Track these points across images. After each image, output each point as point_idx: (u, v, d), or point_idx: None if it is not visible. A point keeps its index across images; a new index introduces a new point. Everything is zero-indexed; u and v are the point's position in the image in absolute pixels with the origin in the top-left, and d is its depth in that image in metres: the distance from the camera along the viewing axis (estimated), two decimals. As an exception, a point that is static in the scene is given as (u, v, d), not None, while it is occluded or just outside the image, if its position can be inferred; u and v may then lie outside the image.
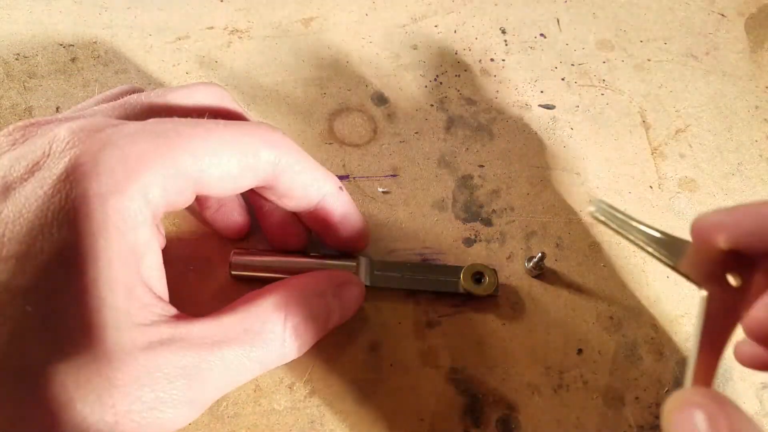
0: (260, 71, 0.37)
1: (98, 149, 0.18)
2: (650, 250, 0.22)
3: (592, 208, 0.22)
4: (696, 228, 0.21)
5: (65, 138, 0.19)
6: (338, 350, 0.29)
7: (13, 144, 0.20)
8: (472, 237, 0.32)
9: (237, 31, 0.39)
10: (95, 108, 0.23)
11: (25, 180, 0.18)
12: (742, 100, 0.38)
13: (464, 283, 0.30)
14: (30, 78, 0.36)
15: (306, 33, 0.39)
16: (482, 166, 0.35)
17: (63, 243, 0.17)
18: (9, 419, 0.16)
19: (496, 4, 0.41)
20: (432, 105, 0.37)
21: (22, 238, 0.17)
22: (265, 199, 0.26)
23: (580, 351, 0.30)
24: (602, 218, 0.22)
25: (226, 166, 0.21)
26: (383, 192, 0.33)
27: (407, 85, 0.37)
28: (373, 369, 0.29)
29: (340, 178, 0.34)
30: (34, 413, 0.16)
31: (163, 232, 0.27)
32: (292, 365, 0.29)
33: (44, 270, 0.17)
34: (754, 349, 0.21)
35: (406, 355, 0.29)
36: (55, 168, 0.18)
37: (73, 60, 0.37)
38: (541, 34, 0.40)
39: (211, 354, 0.20)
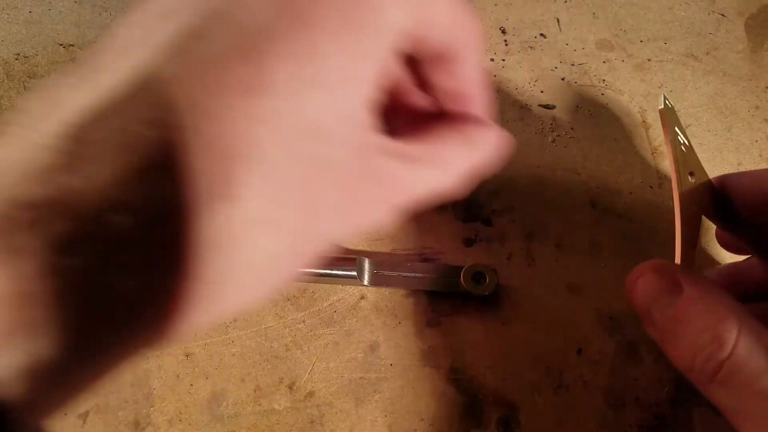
0: (260, 71, 0.37)
1: None
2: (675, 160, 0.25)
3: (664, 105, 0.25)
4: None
5: None
6: (338, 350, 0.29)
7: None
8: (472, 237, 0.32)
9: (237, 31, 0.39)
10: None
11: None
12: (742, 100, 0.38)
13: (464, 283, 0.30)
14: (30, 78, 0.36)
15: (306, 33, 0.39)
16: (482, 166, 0.35)
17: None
18: None
19: (496, 4, 0.41)
20: (432, 105, 0.37)
21: None
22: (416, 73, 0.25)
23: (580, 351, 0.30)
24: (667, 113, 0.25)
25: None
26: (383, 192, 0.33)
27: (407, 85, 0.37)
28: (373, 369, 0.29)
29: (340, 178, 0.34)
30: None
31: None
32: (292, 365, 0.29)
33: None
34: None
35: (406, 355, 0.29)
36: None
37: (73, 60, 0.37)
38: (541, 34, 0.40)
39: (413, 168, 0.21)
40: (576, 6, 0.42)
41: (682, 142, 0.25)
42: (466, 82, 0.24)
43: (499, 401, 0.28)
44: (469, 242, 0.32)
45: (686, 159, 0.25)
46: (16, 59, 0.37)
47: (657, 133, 0.37)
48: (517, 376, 0.29)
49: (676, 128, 0.25)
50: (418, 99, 0.26)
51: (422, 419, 0.28)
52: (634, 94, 0.38)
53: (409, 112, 0.26)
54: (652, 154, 0.36)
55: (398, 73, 0.24)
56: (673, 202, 0.25)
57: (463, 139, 0.24)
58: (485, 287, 0.30)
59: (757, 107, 0.38)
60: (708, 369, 0.19)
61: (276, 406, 0.28)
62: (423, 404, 0.28)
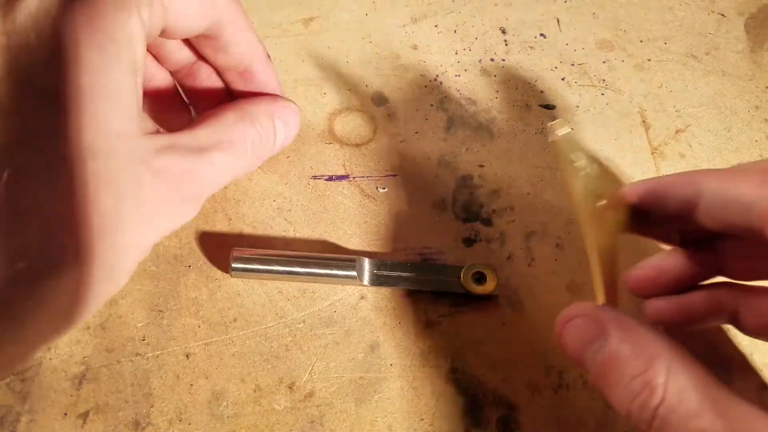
0: (260, 71, 0.37)
1: None
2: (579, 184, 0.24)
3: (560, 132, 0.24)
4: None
5: None
6: (338, 350, 0.29)
7: None
8: (472, 237, 0.32)
9: (237, 31, 0.39)
10: None
11: None
12: (742, 100, 0.38)
13: (464, 283, 0.30)
14: (30, 78, 0.36)
15: (306, 33, 0.39)
16: (482, 166, 0.35)
17: (69, 61, 0.18)
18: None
19: (496, 4, 0.41)
20: (432, 105, 0.37)
21: (25, 48, 0.18)
22: (199, 54, 0.27)
23: (580, 351, 0.30)
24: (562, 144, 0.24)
25: (190, 8, 0.22)
26: (383, 192, 0.33)
27: (407, 85, 0.37)
28: (373, 369, 0.29)
29: (340, 178, 0.34)
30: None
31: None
32: (292, 365, 0.29)
33: (43, 91, 0.18)
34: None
35: (406, 355, 0.29)
36: None
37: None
38: (541, 34, 0.40)
39: (202, 158, 0.22)
40: (576, 6, 0.42)
41: (584, 167, 0.24)
42: (239, 57, 0.26)
43: (499, 401, 0.28)
44: (469, 242, 0.32)
45: (594, 185, 0.24)
46: (16, 59, 0.37)
47: (657, 133, 0.37)
48: (517, 376, 0.29)
49: (573, 156, 0.24)
50: (211, 81, 0.28)
51: (422, 419, 0.28)
52: (634, 94, 0.38)
53: (207, 95, 0.28)
54: (652, 154, 0.36)
55: (183, 58, 0.26)
56: (584, 240, 0.24)
57: (246, 117, 0.25)
58: (485, 287, 0.30)
59: (757, 107, 0.38)
60: (644, 417, 0.19)
61: (276, 406, 0.28)
62: (423, 404, 0.28)
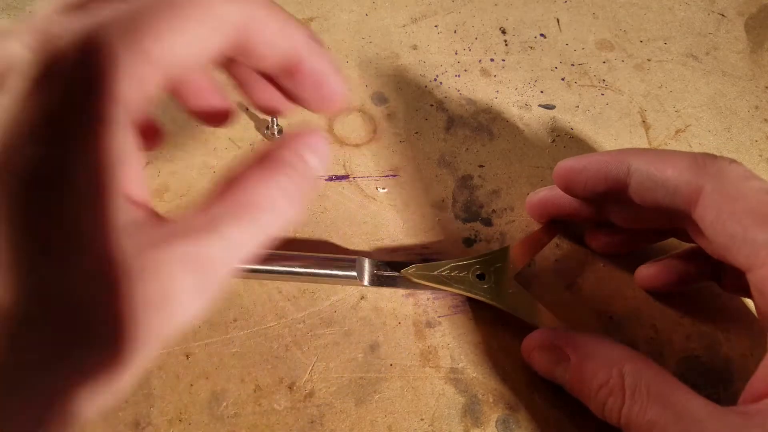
0: (260, 71, 0.37)
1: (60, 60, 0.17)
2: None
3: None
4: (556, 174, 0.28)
5: (24, 57, 0.17)
6: (338, 350, 0.29)
7: None
8: (472, 237, 0.32)
9: (237, 31, 0.39)
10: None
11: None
12: (742, 100, 0.38)
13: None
14: (30, 78, 0.36)
15: (306, 33, 0.39)
16: (482, 166, 0.35)
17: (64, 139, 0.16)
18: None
19: (496, 4, 0.41)
20: (432, 105, 0.37)
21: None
22: (237, 65, 0.24)
23: (580, 351, 0.30)
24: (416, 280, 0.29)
25: (191, 37, 0.19)
26: (383, 192, 0.33)
27: (407, 85, 0.37)
28: (373, 369, 0.29)
29: (340, 178, 0.34)
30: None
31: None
32: (292, 365, 0.29)
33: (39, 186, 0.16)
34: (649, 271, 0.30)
35: (406, 355, 0.29)
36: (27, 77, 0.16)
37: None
38: (541, 34, 0.40)
39: (208, 235, 0.19)
40: (576, 6, 0.42)
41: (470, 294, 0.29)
42: (277, 58, 0.22)
43: (499, 401, 0.28)
44: (469, 242, 0.32)
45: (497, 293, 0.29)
46: (16, 59, 0.37)
47: (657, 133, 0.37)
48: (517, 376, 0.29)
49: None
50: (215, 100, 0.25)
51: (422, 419, 0.28)
52: (634, 94, 0.38)
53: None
54: (652, 154, 0.36)
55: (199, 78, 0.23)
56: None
57: (266, 166, 0.21)
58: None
59: (757, 107, 0.38)
60: (614, 419, 0.23)
61: (276, 406, 0.28)
62: (423, 404, 0.28)
